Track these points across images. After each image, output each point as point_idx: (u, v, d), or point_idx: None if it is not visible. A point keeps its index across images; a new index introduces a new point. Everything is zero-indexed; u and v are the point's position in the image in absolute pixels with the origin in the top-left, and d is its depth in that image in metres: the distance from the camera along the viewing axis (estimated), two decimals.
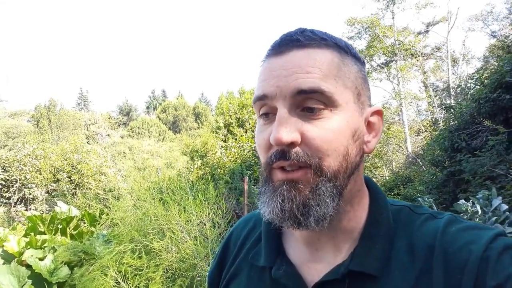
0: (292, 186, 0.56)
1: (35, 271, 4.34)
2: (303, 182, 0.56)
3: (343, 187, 0.59)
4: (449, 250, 0.54)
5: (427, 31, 20.01)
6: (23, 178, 14.53)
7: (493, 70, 7.76)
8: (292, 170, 0.57)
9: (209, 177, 8.72)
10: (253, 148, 12.63)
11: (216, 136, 14.99)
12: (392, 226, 0.62)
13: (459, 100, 10.17)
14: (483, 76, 8.11)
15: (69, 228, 5.74)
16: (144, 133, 41.86)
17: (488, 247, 0.51)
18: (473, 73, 10.01)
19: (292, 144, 0.55)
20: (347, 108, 0.58)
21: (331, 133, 0.56)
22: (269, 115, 0.60)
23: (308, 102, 0.57)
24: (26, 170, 14.62)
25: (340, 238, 0.62)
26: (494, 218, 2.49)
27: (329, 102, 0.57)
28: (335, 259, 0.62)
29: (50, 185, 15.03)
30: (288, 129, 0.55)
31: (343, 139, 0.57)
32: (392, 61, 19.63)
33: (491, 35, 17.87)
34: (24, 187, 14.51)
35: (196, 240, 4.64)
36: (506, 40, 10.54)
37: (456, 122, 8.14)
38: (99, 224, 5.53)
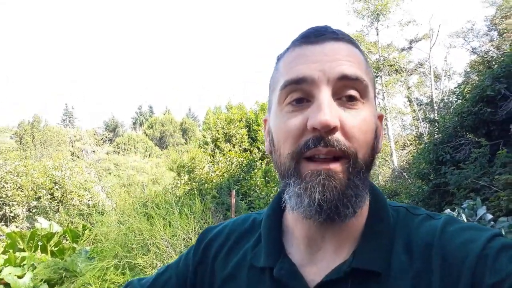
0: (330, 176, 0.54)
1: None
2: (340, 172, 0.55)
3: (368, 180, 0.60)
4: (447, 249, 0.54)
5: (410, 48, 20.54)
6: (4, 196, 14.16)
7: (474, 84, 7.97)
8: (326, 160, 0.55)
9: (196, 192, 8.63)
10: (240, 163, 12.59)
11: (203, 151, 14.92)
12: (392, 225, 0.62)
13: (443, 114, 10.38)
14: (465, 91, 8.32)
15: (50, 245, 5.57)
16: (130, 149, 41.45)
17: (486, 246, 0.51)
18: (455, 88, 10.26)
19: (333, 130, 0.54)
20: (372, 103, 0.61)
21: (366, 124, 0.57)
22: (302, 101, 0.58)
23: (348, 90, 0.57)
24: (7, 187, 14.26)
25: (344, 236, 0.61)
26: None
27: (363, 94, 0.58)
28: (337, 258, 0.60)
29: (31, 202, 14.69)
30: (332, 113, 0.54)
31: (372, 132, 0.59)
32: (377, 77, 20.02)
33: (472, 51, 18.43)
34: (5, 205, 14.13)
35: None
36: (486, 56, 10.89)
37: (440, 135, 8.28)
38: (81, 240, 5.38)
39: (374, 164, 0.62)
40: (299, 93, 0.58)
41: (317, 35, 0.60)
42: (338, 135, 0.55)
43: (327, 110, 0.54)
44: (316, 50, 0.58)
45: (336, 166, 0.55)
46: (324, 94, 0.55)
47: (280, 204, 0.69)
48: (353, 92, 0.57)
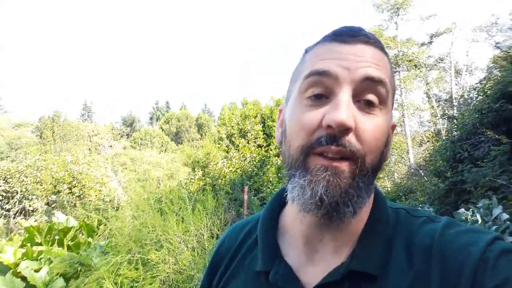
0: (336, 174, 0.55)
1: (30, 283, 4.28)
2: (347, 172, 0.55)
3: (372, 185, 0.61)
4: (447, 252, 0.53)
5: (430, 42, 20.04)
6: (24, 190, 14.51)
7: (496, 80, 7.74)
8: (335, 159, 0.55)
9: (210, 187, 8.68)
10: (254, 159, 12.58)
11: (218, 147, 14.97)
12: (392, 227, 0.62)
13: (462, 111, 10.13)
14: (486, 87, 8.09)
15: (66, 239, 5.68)
16: (147, 144, 41.96)
17: (486, 250, 0.51)
18: (476, 84, 9.98)
19: (347, 131, 0.54)
20: (389, 112, 0.61)
21: (379, 131, 0.58)
22: (321, 97, 0.58)
23: (369, 95, 0.57)
24: (27, 181, 14.60)
25: (342, 238, 0.61)
26: (494, 227, 2.43)
27: (383, 100, 0.59)
28: (334, 261, 0.60)
29: (50, 196, 15.01)
30: (349, 114, 0.54)
31: (384, 140, 0.59)
32: (395, 72, 19.65)
33: (495, 46, 17.87)
34: (25, 199, 14.49)
35: (194, 251, 4.58)
36: (510, 51, 10.54)
37: (458, 132, 8.10)
38: (96, 234, 5.48)
39: (380, 172, 0.62)
40: (320, 88, 0.58)
41: (350, 35, 0.60)
42: (351, 137, 0.55)
43: (344, 109, 0.54)
44: (346, 49, 0.59)
45: (343, 166, 0.55)
46: (344, 93, 0.56)
47: (279, 201, 0.72)
48: (372, 97, 0.57)
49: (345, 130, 0.54)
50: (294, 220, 0.65)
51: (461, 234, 0.55)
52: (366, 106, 0.57)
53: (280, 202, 0.73)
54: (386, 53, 0.63)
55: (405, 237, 0.59)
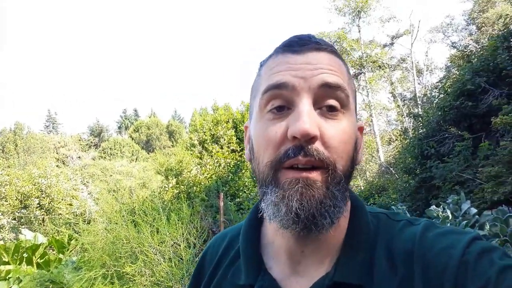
0: (308, 185, 0.54)
1: None
2: (319, 182, 0.54)
3: (347, 192, 0.60)
4: (427, 256, 0.53)
5: (392, 44, 20.79)
6: None
7: (455, 79, 8.10)
8: (305, 169, 0.54)
9: (185, 195, 8.56)
10: (228, 164, 12.54)
11: (191, 154, 14.81)
12: (373, 234, 0.61)
13: (426, 109, 10.52)
14: (446, 85, 8.46)
15: (35, 257, 5.44)
16: (117, 153, 40.93)
17: (466, 251, 0.51)
18: (437, 83, 10.41)
19: (312, 140, 0.54)
20: (353, 115, 0.61)
21: (345, 135, 0.57)
22: (283, 109, 0.58)
23: (329, 100, 0.57)
24: None
25: (324, 249, 0.61)
26: (464, 222, 2.53)
27: (344, 103, 0.58)
28: (318, 272, 0.60)
29: (17, 212, 14.37)
30: (312, 122, 0.54)
31: (352, 143, 0.59)
32: (360, 73, 20.19)
33: (452, 45, 18.72)
34: None
35: (171, 261, 4.50)
36: (465, 50, 11.07)
37: (424, 130, 8.41)
38: (68, 250, 5.28)
39: (354, 175, 0.61)
40: (280, 100, 0.58)
41: (300, 44, 0.60)
42: (317, 145, 0.54)
43: (306, 118, 0.53)
44: (299, 58, 0.59)
45: (314, 175, 0.54)
46: (305, 103, 0.55)
47: (258, 216, 0.70)
48: (333, 102, 0.57)
49: (310, 139, 0.53)
50: (275, 233, 0.64)
51: (439, 237, 0.55)
52: (328, 112, 0.57)
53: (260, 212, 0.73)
54: (340, 57, 0.63)
55: (386, 242, 0.59)
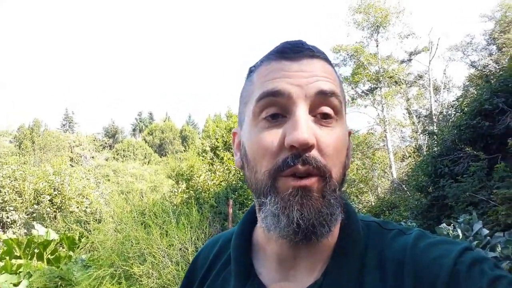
0: (306, 194, 0.54)
1: None
2: (316, 190, 0.55)
3: (341, 199, 0.60)
4: (419, 266, 0.53)
5: (410, 60, 20.64)
6: (0, 201, 14.08)
7: (472, 98, 8.00)
8: (304, 177, 0.54)
9: (194, 200, 8.60)
10: (238, 172, 12.55)
11: (202, 160, 14.88)
12: (364, 242, 0.61)
13: (441, 127, 10.40)
14: (463, 104, 8.35)
15: (46, 253, 5.53)
16: (130, 155, 41.39)
17: (457, 261, 0.51)
18: (453, 101, 10.30)
19: (310, 148, 0.54)
20: (344, 121, 0.61)
21: (340, 143, 0.58)
22: (278, 116, 0.57)
23: (323, 108, 0.57)
24: (4, 192, 14.19)
25: (316, 255, 0.60)
26: (475, 243, 2.50)
27: (338, 111, 0.59)
28: (308, 278, 0.60)
29: (30, 208, 14.60)
30: (310, 132, 0.54)
31: (344, 151, 0.60)
32: (376, 88, 20.10)
33: (471, 65, 18.54)
34: (2, 210, 14.05)
35: (178, 265, 4.53)
36: (484, 70, 10.95)
37: (438, 148, 8.30)
38: (78, 248, 5.35)
39: (345, 182, 0.62)
40: (275, 108, 0.57)
41: (294, 51, 0.60)
42: (314, 153, 0.54)
43: (304, 128, 0.53)
44: (293, 66, 0.58)
45: (312, 183, 0.54)
46: (301, 111, 0.55)
47: (251, 221, 0.70)
48: (328, 110, 0.57)
49: (308, 147, 0.53)
50: (268, 239, 0.64)
51: (431, 247, 0.55)
52: (323, 119, 0.57)
53: (253, 218, 0.71)
54: (330, 63, 0.63)
55: (377, 251, 0.59)
